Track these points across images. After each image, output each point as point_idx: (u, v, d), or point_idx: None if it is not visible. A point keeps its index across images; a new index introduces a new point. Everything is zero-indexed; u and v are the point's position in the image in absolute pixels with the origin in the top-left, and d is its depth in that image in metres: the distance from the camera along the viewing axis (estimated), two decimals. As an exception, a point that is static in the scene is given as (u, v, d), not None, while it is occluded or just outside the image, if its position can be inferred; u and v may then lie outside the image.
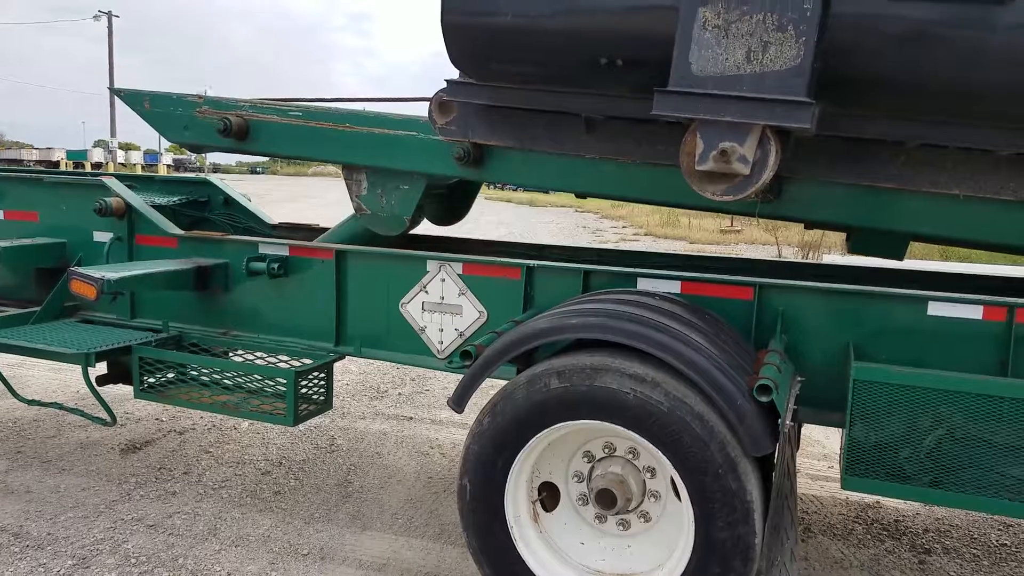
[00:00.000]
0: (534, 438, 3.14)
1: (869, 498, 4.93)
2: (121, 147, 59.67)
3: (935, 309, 3.33)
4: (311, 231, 5.47)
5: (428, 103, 3.83)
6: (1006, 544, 4.47)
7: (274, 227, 5.53)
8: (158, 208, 5.00)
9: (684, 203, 3.66)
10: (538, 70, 3.30)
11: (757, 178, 2.77)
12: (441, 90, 3.70)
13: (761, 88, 2.65)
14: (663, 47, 2.78)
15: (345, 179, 4.51)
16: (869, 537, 4.50)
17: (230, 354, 4.74)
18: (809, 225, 3.54)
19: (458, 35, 3.28)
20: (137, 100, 4.76)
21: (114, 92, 4.77)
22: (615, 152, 3.54)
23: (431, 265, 4.11)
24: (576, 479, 3.36)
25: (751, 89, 2.66)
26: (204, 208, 5.60)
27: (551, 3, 3.05)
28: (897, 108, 2.87)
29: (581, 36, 3.05)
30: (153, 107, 4.70)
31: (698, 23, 2.70)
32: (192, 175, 5.92)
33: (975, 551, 4.38)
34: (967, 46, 2.56)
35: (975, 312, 3.28)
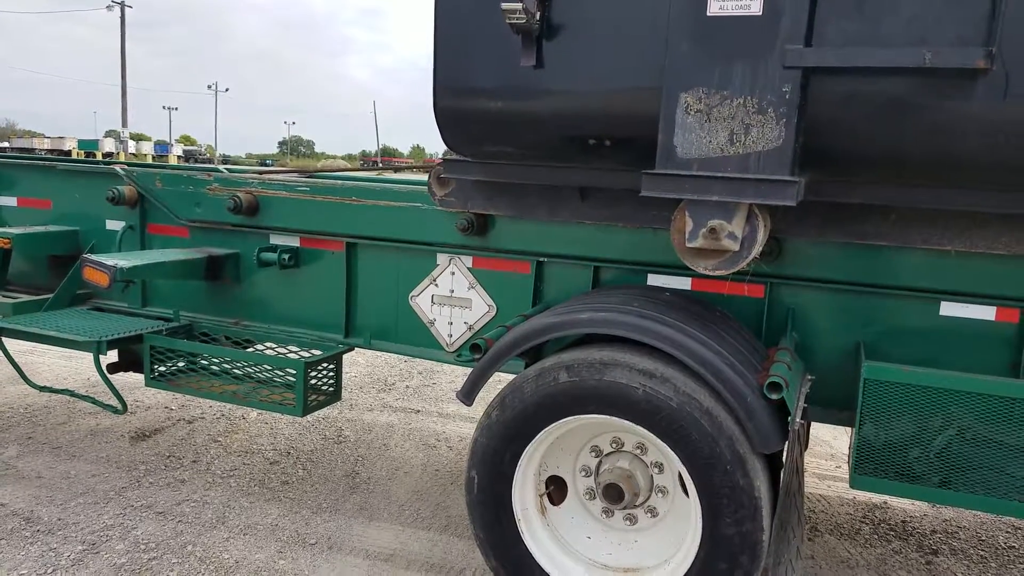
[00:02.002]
0: (542, 432, 3.14)
1: (876, 498, 4.92)
2: (132, 137, 59.90)
3: (947, 309, 3.33)
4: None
5: (427, 176, 3.94)
6: (1014, 546, 4.46)
7: None
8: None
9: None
10: (530, 150, 3.38)
11: (747, 253, 2.83)
12: (438, 165, 3.80)
13: (745, 168, 2.70)
14: (650, 127, 2.84)
15: None
16: (876, 537, 4.50)
17: (241, 344, 4.76)
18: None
19: (451, 121, 3.37)
20: (149, 179, 4.82)
21: (126, 173, 4.83)
22: (611, 218, 3.60)
23: (441, 258, 4.12)
24: (584, 473, 3.36)
25: (736, 170, 2.72)
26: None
27: (540, 89, 3.12)
28: (881, 177, 2.92)
29: (570, 120, 3.13)
30: (165, 185, 4.77)
31: (680, 108, 2.76)
32: (201, 166, 5.95)
33: (982, 553, 4.36)
34: (945, 118, 2.60)
35: (988, 313, 3.28)
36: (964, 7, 2.46)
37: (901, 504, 4.89)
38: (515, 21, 2.90)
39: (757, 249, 2.83)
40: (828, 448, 5.87)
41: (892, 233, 3.17)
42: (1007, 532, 4.62)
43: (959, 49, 2.44)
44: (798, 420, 2.80)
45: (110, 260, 4.16)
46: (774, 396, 2.82)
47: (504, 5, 2.88)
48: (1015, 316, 3.24)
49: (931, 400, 2.97)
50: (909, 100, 2.61)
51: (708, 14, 2.66)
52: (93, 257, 4.19)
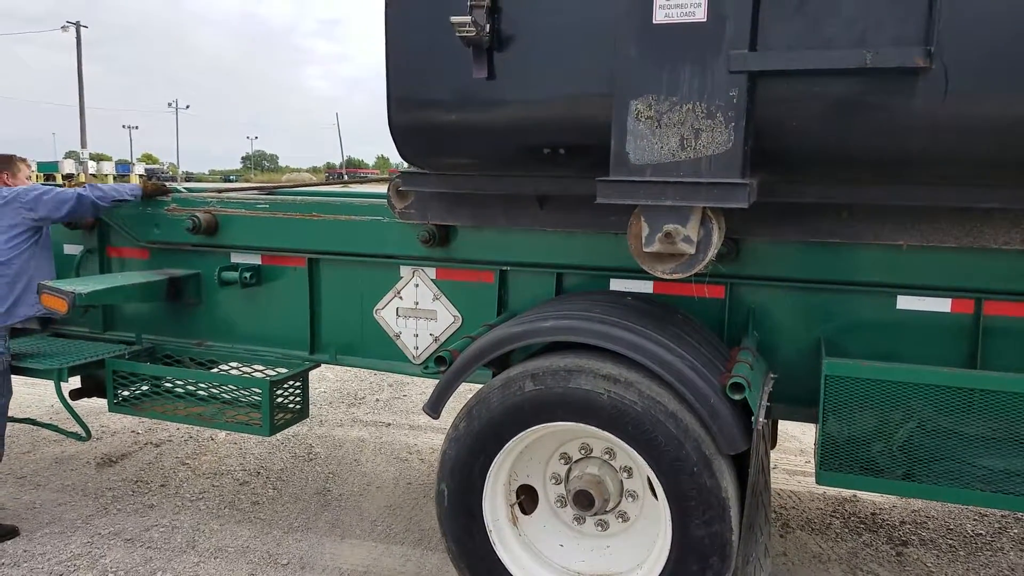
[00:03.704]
0: (510, 441, 3.14)
1: (846, 492, 4.98)
2: (92, 157, 59.06)
3: (904, 303, 3.38)
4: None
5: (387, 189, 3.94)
6: (981, 533, 4.53)
7: None
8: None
9: None
10: (487, 161, 3.41)
11: (703, 256, 2.86)
12: (396, 178, 3.81)
13: (697, 172, 2.74)
14: (602, 134, 2.87)
15: None
16: (847, 531, 4.55)
17: (205, 365, 4.70)
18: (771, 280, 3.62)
19: (407, 136, 3.39)
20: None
21: None
22: (570, 224, 3.63)
23: (405, 270, 4.11)
24: (554, 481, 3.37)
25: (688, 174, 2.75)
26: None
27: (493, 100, 3.14)
28: (831, 176, 2.97)
29: (524, 130, 3.16)
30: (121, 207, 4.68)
31: (631, 115, 2.80)
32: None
33: (951, 541, 4.43)
34: (889, 116, 2.66)
35: (944, 305, 3.33)
36: (902, 7, 2.52)
37: (870, 497, 4.95)
38: (465, 34, 2.91)
39: (713, 252, 2.86)
40: (798, 443, 5.93)
41: (845, 230, 3.22)
42: (974, 520, 4.70)
43: (899, 49, 2.50)
44: (761, 419, 2.82)
45: (68, 285, 4.10)
46: (737, 397, 2.85)
47: (454, 19, 2.89)
48: (970, 307, 3.30)
49: (891, 394, 3.01)
50: (853, 100, 2.66)
51: (654, 22, 2.69)
52: (51, 283, 4.13)
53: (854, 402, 3.05)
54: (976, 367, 3.28)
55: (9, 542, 4.23)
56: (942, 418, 2.98)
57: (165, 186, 4.76)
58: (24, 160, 4.54)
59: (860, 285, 3.40)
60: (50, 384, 4.37)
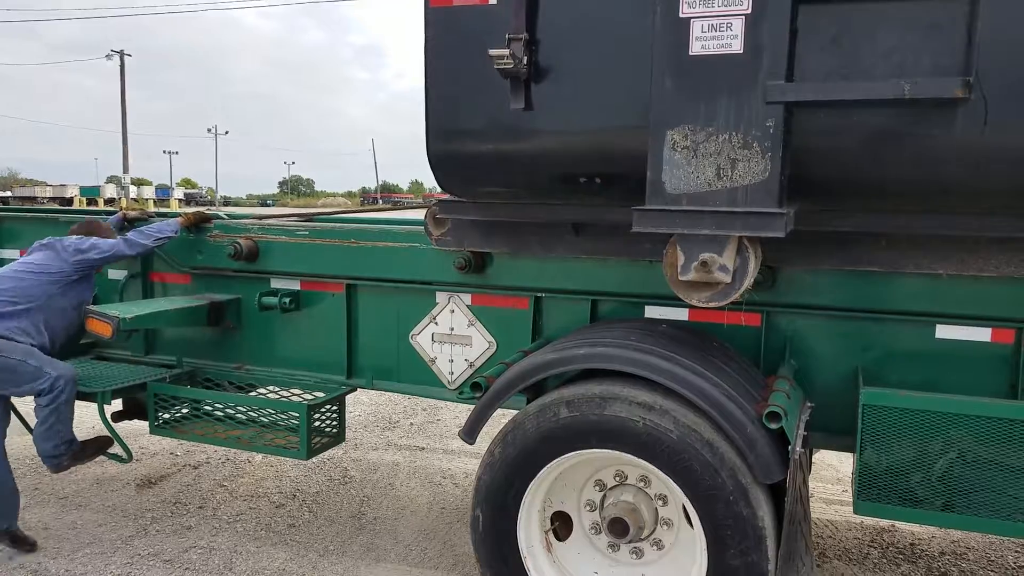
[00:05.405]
0: (545, 467, 3.16)
1: (884, 522, 4.90)
2: (133, 182, 60.42)
3: (943, 332, 3.35)
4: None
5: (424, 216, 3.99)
6: (1024, 566, 4.44)
7: None
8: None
9: None
10: (522, 189, 3.45)
11: (739, 284, 2.86)
12: (434, 205, 3.87)
13: (734, 202, 2.75)
14: (638, 164, 2.90)
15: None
16: (885, 561, 4.48)
17: (244, 388, 4.78)
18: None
19: (445, 164, 3.44)
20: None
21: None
22: (604, 252, 3.65)
23: (440, 296, 4.16)
24: (588, 508, 3.37)
25: (724, 203, 2.77)
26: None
27: (529, 131, 3.19)
28: (869, 205, 2.98)
29: (560, 159, 3.21)
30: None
31: (667, 145, 2.82)
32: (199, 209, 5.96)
33: (992, 573, 4.34)
34: (927, 147, 2.66)
35: (983, 335, 3.30)
36: (940, 38, 2.52)
37: (909, 526, 4.87)
38: (503, 66, 2.97)
39: (749, 280, 2.86)
40: (835, 472, 5.86)
41: (883, 259, 3.21)
42: (1016, 551, 4.60)
43: (937, 79, 2.50)
44: (798, 449, 2.81)
45: (113, 310, 4.20)
46: (773, 426, 2.84)
47: (492, 51, 2.95)
48: (1010, 337, 3.27)
49: (930, 424, 2.98)
50: (891, 130, 2.66)
51: (691, 54, 2.73)
52: (96, 308, 4.23)
53: (892, 432, 3.03)
54: (1017, 397, 3.24)
55: (51, 561, 4.31)
56: (982, 449, 2.95)
57: (206, 214, 4.87)
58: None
59: (898, 314, 3.39)
60: (90, 406, 4.47)
